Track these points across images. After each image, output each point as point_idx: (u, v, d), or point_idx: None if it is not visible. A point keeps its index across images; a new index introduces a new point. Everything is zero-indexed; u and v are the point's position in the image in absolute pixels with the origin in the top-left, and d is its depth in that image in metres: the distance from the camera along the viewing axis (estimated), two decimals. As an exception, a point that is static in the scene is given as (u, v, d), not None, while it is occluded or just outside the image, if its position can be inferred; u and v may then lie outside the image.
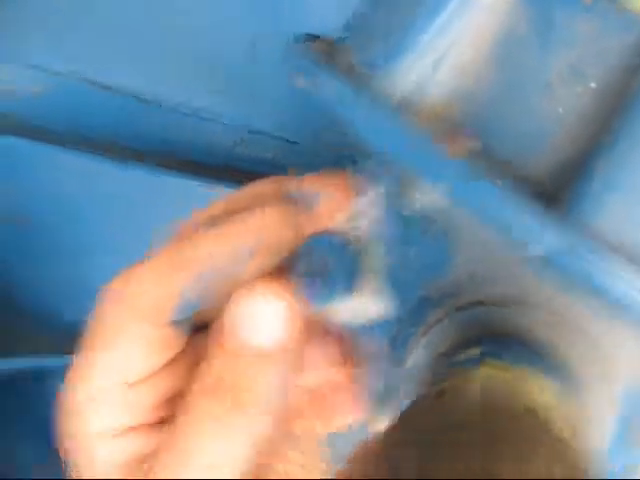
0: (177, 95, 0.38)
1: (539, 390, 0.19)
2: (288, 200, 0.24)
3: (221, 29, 0.38)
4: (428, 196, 0.22)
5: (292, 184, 0.24)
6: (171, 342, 0.24)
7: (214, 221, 0.23)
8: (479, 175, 0.19)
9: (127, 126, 0.37)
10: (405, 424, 0.17)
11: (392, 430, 0.16)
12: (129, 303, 0.23)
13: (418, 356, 0.22)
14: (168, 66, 0.37)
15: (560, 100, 0.21)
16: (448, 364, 0.20)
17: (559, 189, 0.21)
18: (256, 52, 0.36)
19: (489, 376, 0.19)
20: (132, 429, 0.24)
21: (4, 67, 0.34)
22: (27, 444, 0.44)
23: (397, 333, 0.23)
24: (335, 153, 0.25)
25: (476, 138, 0.20)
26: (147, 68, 0.37)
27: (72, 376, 0.24)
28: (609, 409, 0.21)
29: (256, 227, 0.22)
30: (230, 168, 0.39)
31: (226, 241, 0.22)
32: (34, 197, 0.40)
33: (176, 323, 0.23)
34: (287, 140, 0.36)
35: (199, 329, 0.25)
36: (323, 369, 0.26)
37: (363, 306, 0.23)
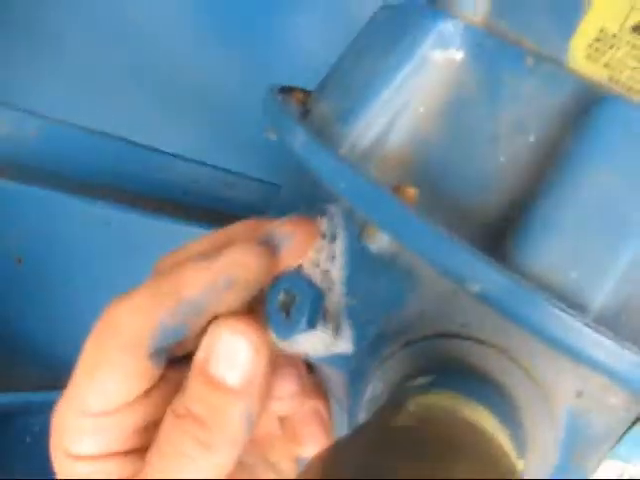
0: (168, 140, 0.40)
1: (484, 417, 0.20)
2: (261, 241, 0.25)
3: (211, 76, 0.40)
4: (386, 238, 0.23)
5: (265, 227, 0.26)
6: (149, 373, 0.25)
7: (193, 257, 0.25)
8: (420, 219, 0.21)
9: (118, 169, 0.39)
10: (345, 444, 0.18)
11: (332, 451, 0.18)
12: (110, 334, 0.24)
13: (374, 388, 0.24)
14: (159, 112, 0.39)
15: (503, 151, 0.23)
16: (398, 392, 0.22)
17: (501, 230, 0.22)
18: (245, 98, 0.38)
19: (435, 401, 0.20)
20: (109, 455, 0.25)
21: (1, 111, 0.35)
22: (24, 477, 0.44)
23: (356, 367, 0.25)
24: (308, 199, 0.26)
25: (418, 186, 0.22)
26: (140, 115, 0.39)
27: (60, 401, 0.25)
28: (552, 441, 0.23)
29: (232, 263, 0.24)
30: (223, 212, 0.41)
31: (204, 275, 0.24)
32: (28, 237, 0.42)
33: (155, 354, 0.25)
34: (275, 184, 0.38)
35: (179, 360, 0.27)
36: (293, 399, 0.27)
37: (325, 340, 0.25)
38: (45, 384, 0.47)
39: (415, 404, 0.19)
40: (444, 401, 0.20)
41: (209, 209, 0.40)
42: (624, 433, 0.23)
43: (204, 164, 0.39)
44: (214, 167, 0.39)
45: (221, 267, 0.24)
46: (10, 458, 0.43)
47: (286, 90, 0.30)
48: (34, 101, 0.37)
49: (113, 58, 0.41)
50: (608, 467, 0.23)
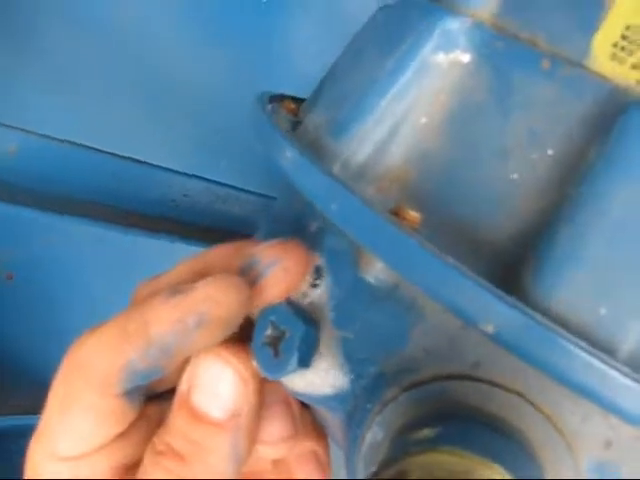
0: (156, 153, 0.38)
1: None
2: (241, 268, 0.23)
3: (202, 87, 0.37)
4: (384, 268, 0.21)
5: (248, 251, 0.23)
6: (124, 412, 0.23)
7: (164, 290, 0.23)
8: (423, 248, 0.18)
9: (106, 185, 0.37)
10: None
11: None
12: (78, 373, 0.23)
13: (373, 435, 0.21)
14: (147, 124, 0.37)
15: (516, 166, 0.20)
16: (401, 445, 0.19)
17: (516, 258, 0.20)
18: (238, 110, 0.36)
19: (442, 462, 0.17)
20: None
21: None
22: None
23: (353, 409, 0.22)
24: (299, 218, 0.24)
25: (420, 208, 0.19)
26: (127, 127, 0.37)
27: (32, 441, 0.23)
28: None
29: (201, 299, 0.22)
30: (212, 228, 0.39)
31: (171, 313, 0.22)
32: (18, 253, 0.40)
33: (127, 393, 0.23)
34: (268, 197, 0.35)
35: (161, 395, 0.25)
36: (285, 443, 0.25)
37: (318, 380, 0.22)
38: (37, 407, 0.45)
39: (418, 468, 0.17)
40: (453, 461, 0.17)
41: (203, 224, 0.37)
42: (659, 487, 0.20)
43: (195, 177, 0.36)
44: (206, 180, 0.36)
45: (190, 304, 0.22)
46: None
47: (277, 99, 0.27)
48: (13, 115, 0.35)
49: (98, 68, 0.39)
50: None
